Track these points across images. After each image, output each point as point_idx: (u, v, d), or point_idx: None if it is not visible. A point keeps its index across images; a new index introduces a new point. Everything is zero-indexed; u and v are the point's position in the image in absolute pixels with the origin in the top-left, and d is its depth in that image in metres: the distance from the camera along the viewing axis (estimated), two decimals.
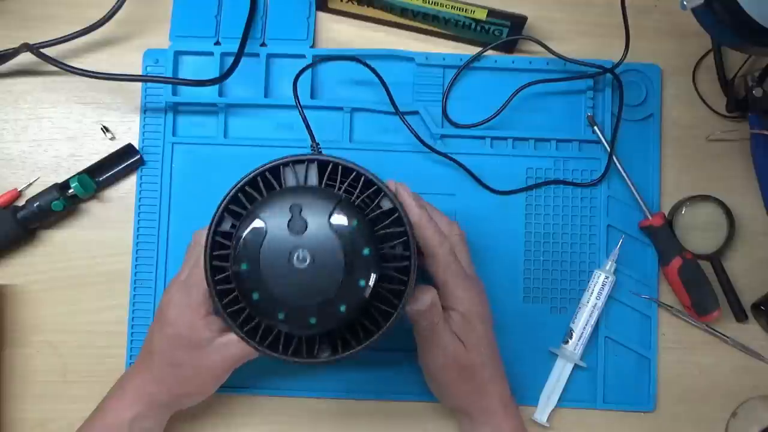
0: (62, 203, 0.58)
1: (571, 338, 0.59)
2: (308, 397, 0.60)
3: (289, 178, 0.43)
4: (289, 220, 0.40)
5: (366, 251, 0.40)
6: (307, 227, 0.40)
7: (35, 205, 0.58)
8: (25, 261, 0.60)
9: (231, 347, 0.50)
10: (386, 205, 0.44)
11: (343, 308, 0.40)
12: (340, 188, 0.44)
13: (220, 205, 0.44)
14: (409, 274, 0.43)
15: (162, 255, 0.60)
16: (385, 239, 0.43)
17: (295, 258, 0.40)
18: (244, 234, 0.40)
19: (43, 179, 0.60)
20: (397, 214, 0.43)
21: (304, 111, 0.52)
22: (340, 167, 0.44)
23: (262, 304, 0.40)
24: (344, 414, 0.60)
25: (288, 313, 0.40)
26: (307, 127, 0.52)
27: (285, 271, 0.40)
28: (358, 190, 0.44)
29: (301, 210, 0.40)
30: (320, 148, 0.51)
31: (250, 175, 0.44)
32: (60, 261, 0.60)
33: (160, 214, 0.60)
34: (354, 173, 0.44)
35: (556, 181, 0.61)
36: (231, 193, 0.44)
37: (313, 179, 0.43)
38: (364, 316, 0.43)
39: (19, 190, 0.60)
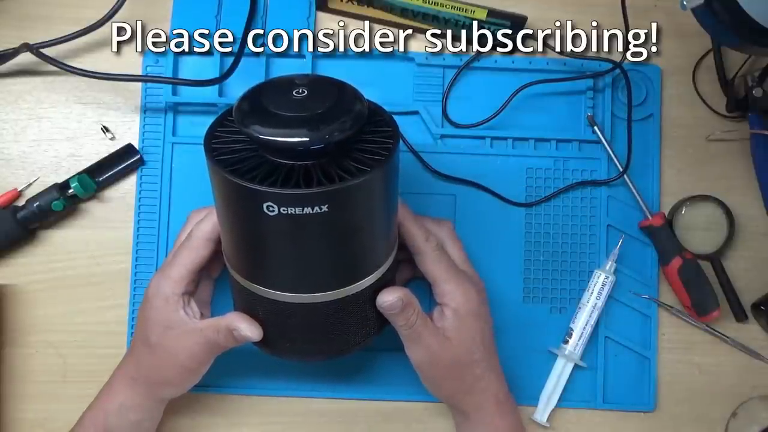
0: (62, 203, 0.58)
1: (571, 338, 0.59)
2: (307, 398, 0.60)
3: None
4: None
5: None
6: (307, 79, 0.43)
7: (35, 205, 0.58)
8: (25, 261, 0.60)
9: (207, 332, 0.49)
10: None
11: (341, 119, 0.40)
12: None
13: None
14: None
15: (162, 255, 0.60)
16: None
17: (294, 92, 0.42)
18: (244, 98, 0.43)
19: (43, 179, 0.60)
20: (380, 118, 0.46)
21: None
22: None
23: (261, 123, 0.40)
24: (343, 414, 0.60)
25: (281, 128, 0.40)
26: None
27: (285, 100, 0.41)
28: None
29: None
30: None
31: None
32: (60, 261, 0.60)
33: (160, 214, 0.60)
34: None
35: (572, 185, 0.61)
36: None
37: None
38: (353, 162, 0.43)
39: (19, 190, 0.60)
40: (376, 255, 0.46)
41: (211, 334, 0.49)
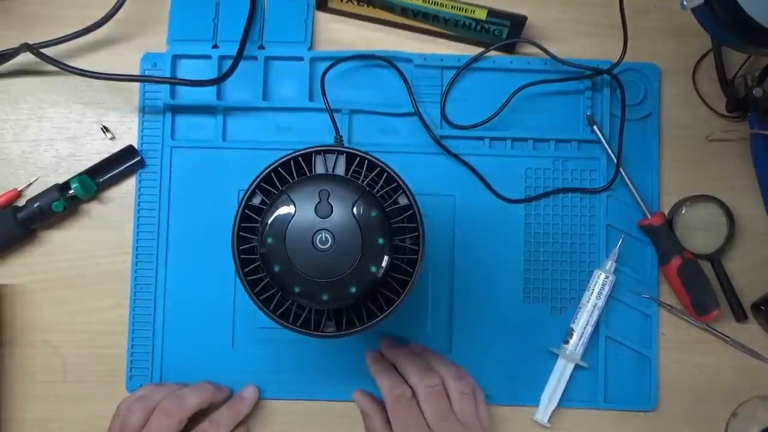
0: (63, 204, 0.58)
1: (571, 338, 0.59)
2: (308, 399, 0.60)
3: (319, 165, 0.46)
4: (317, 204, 0.43)
5: (381, 241, 0.43)
6: (332, 212, 0.43)
7: (35, 205, 0.58)
8: (25, 261, 0.60)
9: None
10: (403, 201, 0.46)
11: (353, 289, 0.43)
12: (364, 180, 0.46)
13: (254, 181, 0.46)
14: (416, 266, 0.45)
15: (162, 255, 0.60)
16: (397, 232, 0.45)
17: (317, 239, 0.43)
18: (275, 211, 0.43)
19: (43, 179, 0.60)
20: (411, 211, 0.46)
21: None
22: (366, 161, 0.46)
23: (281, 277, 0.43)
24: (343, 414, 0.60)
25: (304, 288, 0.43)
26: (333, 120, 0.55)
27: (307, 249, 0.43)
28: (379, 185, 0.46)
29: (328, 196, 0.43)
30: (342, 140, 0.54)
31: (284, 158, 0.46)
32: (60, 261, 0.60)
33: (159, 215, 0.60)
34: (378, 168, 0.46)
35: (563, 189, 0.61)
36: (265, 172, 0.46)
37: (340, 169, 0.46)
38: (370, 300, 0.46)
39: (19, 190, 0.60)
40: None
41: None
